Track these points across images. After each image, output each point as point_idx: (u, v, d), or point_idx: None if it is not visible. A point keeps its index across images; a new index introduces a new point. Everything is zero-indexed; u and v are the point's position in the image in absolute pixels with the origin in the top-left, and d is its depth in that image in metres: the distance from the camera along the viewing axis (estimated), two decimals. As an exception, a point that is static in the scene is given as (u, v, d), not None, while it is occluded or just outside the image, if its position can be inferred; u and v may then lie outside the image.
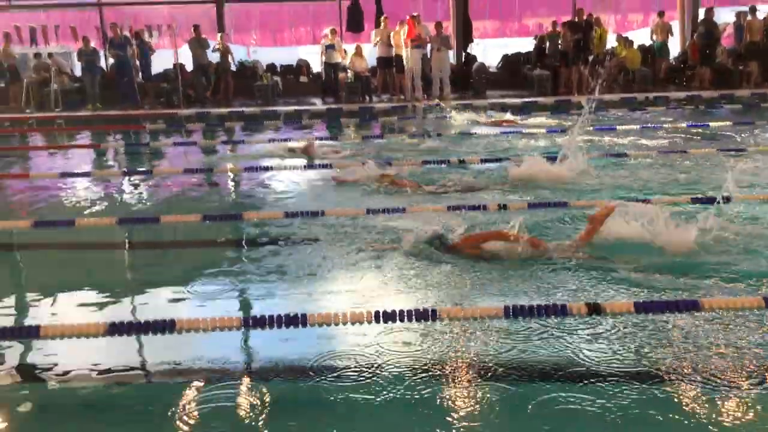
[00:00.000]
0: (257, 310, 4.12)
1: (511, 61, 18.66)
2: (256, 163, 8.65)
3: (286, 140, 10.34)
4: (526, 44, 19.76)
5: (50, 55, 17.40)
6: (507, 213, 5.42)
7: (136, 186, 7.85)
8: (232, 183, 8.01)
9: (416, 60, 15.96)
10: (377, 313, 3.59)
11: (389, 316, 3.61)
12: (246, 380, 3.26)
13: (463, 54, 18.71)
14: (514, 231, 4.60)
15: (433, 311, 3.69)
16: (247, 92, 17.50)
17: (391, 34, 16.37)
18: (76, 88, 17.05)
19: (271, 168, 8.12)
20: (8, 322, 3.88)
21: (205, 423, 2.95)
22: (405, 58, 16.17)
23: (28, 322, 3.72)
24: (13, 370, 3.49)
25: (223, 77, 17.36)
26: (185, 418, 2.96)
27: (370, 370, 3.28)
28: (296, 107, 15.69)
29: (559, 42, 16.95)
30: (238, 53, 19.23)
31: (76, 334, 3.68)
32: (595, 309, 3.64)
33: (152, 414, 3.07)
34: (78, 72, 17.64)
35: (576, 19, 17.04)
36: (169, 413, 3.00)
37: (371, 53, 17.24)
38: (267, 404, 3.04)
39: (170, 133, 12.29)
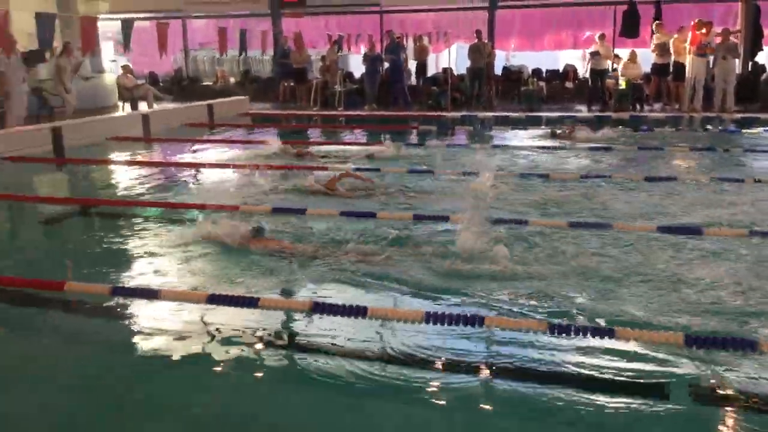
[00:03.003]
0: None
1: (808, 72, 16.67)
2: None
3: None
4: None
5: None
6: None
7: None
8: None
9: (700, 68, 14.91)
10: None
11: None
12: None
13: (749, 63, 17.13)
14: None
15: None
16: (512, 97, 17.73)
17: (671, 41, 15.49)
18: (355, 89, 18.57)
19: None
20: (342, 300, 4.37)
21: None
22: (687, 65, 15.17)
23: (356, 302, 4.16)
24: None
25: (489, 81, 17.78)
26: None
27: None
28: (560, 113, 15.51)
29: None
30: (498, 58, 19.51)
31: (398, 318, 4.11)
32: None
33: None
34: (357, 74, 19.21)
35: None
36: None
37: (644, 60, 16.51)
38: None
39: (441, 135, 12.87)
